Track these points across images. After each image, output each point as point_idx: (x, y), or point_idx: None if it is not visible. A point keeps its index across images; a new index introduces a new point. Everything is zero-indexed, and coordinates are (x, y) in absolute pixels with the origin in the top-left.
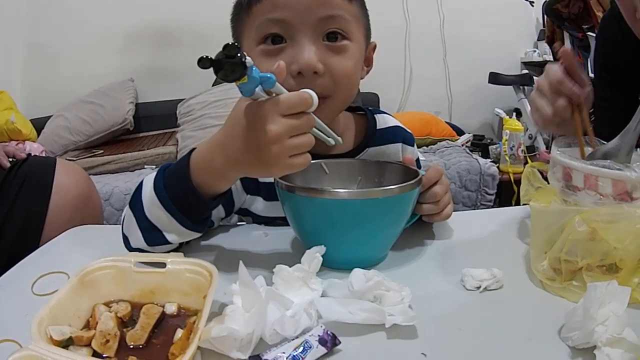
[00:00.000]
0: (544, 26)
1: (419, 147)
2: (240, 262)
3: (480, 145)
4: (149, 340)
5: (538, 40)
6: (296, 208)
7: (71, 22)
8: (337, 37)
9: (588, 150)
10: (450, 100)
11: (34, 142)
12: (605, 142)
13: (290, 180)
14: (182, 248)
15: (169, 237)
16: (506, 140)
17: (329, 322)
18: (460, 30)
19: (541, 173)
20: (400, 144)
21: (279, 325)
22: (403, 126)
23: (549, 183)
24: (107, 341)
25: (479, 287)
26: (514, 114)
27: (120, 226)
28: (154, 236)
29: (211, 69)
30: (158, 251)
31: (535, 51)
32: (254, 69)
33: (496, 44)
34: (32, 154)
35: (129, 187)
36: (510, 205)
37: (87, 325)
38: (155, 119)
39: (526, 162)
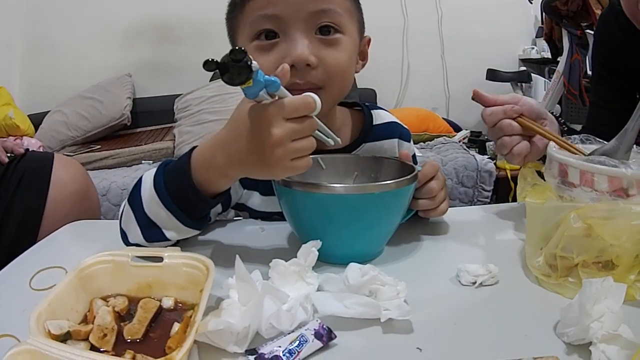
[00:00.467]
0: (542, 23)
1: (415, 143)
2: (237, 256)
3: (477, 142)
4: (146, 334)
5: (536, 37)
6: (293, 203)
7: (70, 18)
8: (329, 31)
9: (587, 148)
10: (448, 96)
11: (32, 137)
12: (598, 140)
13: None
14: (179, 243)
15: (168, 234)
16: None
17: (325, 317)
18: (458, 27)
19: (538, 172)
20: (396, 140)
21: (275, 319)
22: (399, 122)
23: (545, 180)
24: (105, 335)
25: (474, 283)
26: None
27: (118, 221)
28: (152, 232)
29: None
30: (156, 247)
31: (533, 48)
32: (259, 72)
33: (494, 40)
34: (30, 150)
35: (126, 183)
36: (507, 201)
37: (85, 320)
38: (152, 114)
39: None
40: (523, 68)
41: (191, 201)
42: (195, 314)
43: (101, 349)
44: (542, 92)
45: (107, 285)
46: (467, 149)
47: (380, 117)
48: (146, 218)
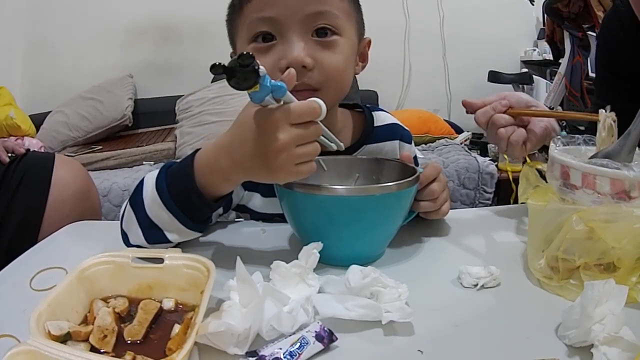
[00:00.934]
0: (544, 25)
1: (417, 145)
2: (238, 257)
3: (479, 144)
4: (146, 335)
5: (538, 39)
6: (294, 204)
7: (71, 18)
8: (326, 33)
9: (589, 149)
10: (450, 98)
11: (33, 137)
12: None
13: None
14: (180, 244)
15: (170, 236)
16: None
17: (326, 319)
18: (460, 29)
19: (540, 172)
20: (397, 142)
21: (276, 321)
22: (400, 123)
23: (547, 182)
24: (105, 336)
25: (476, 285)
26: None
27: (119, 222)
28: (154, 234)
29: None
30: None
31: (535, 50)
32: (266, 77)
33: (496, 42)
34: (31, 150)
35: (127, 183)
36: (509, 203)
37: (85, 321)
38: (153, 115)
39: (525, 161)
40: (525, 70)
41: (194, 204)
42: (196, 315)
43: (101, 350)
44: (544, 94)
45: (107, 286)
46: (469, 151)
47: (381, 118)
48: (148, 220)
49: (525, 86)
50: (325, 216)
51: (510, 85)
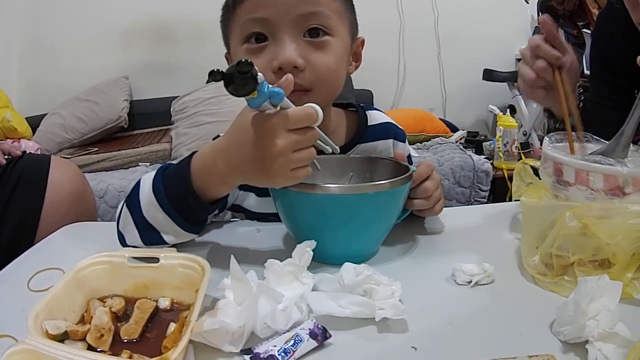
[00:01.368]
0: (538, 23)
1: (412, 143)
2: (232, 256)
3: (474, 142)
4: (142, 334)
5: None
6: (288, 203)
7: (67, 20)
8: (318, 33)
9: (583, 146)
10: (445, 97)
11: (30, 140)
12: (595, 137)
13: None
14: (176, 244)
15: (166, 237)
16: (500, 136)
17: (320, 316)
18: (454, 27)
19: (535, 170)
20: (391, 140)
21: (270, 319)
22: (394, 122)
23: (540, 179)
24: (102, 335)
25: (469, 282)
26: (508, 110)
27: (115, 223)
28: (150, 236)
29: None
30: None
31: None
32: (264, 84)
33: (491, 40)
34: (28, 152)
35: (123, 185)
36: (505, 201)
37: (82, 320)
38: (149, 116)
39: (520, 159)
40: (519, 74)
41: (190, 206)
42: (191, 313)
43: (98, 349)
44: None
45: (104, 286)
46: (464, 149)
47: (375, 117)
48: (144, 221)
49: None
50: (319, 215)
51: (505, 84)
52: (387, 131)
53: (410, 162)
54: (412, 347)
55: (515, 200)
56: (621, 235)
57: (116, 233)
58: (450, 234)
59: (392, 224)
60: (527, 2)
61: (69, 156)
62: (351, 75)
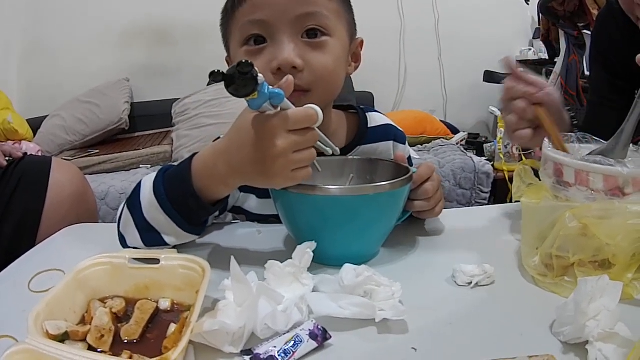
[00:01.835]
0: (539, 24)
1: (413, 145)
2: (232, 257)
3: (475, 144)
4: (143, 335)
5: (533, 38)
6: (288, 205)
7: (68, 21)
8: (316, 34)
9: (583, 146)
10: (445, 98)
11: (31, 142)
12: (595, 138)
13: None
14: (177, 245)
15: (167, 239)
16: (501, 138)
17: (320, 317)
18: (455, 29)
19: (535, 171)
20: (391, 142)
21: (271, 320)
22: (394, 124)
23: (541, 180)
24: (102, 336)
25: (470, 283)
26: None
27: (116, 224)
28: (151, 237)
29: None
30: None
31: (530, 49)
32: (264, 85)
33: (491, 42)
34: (28, 154)
35: (124, 187)
36: (506, 203)
37: (83, 321)
38: (150, 118)
39: (521, 160)
40: (520, 69)
41: (191, 208)
42: (191, 314)
43: (99, 350)
44: None
45: (104, 286)
46: (465, 151)
47: (375, 119)
48: (145, 223)
49: None
50: (319, 216)
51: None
52: (388, 133)
53: (411, 164)
54: (412, 348)
55: (516, 202)
56: (621, 236)
57: (117, 234)
58: (451, 235)
59: (393, 226)
60: (528, 4)
61: (69, 158)
62: (352, 76)
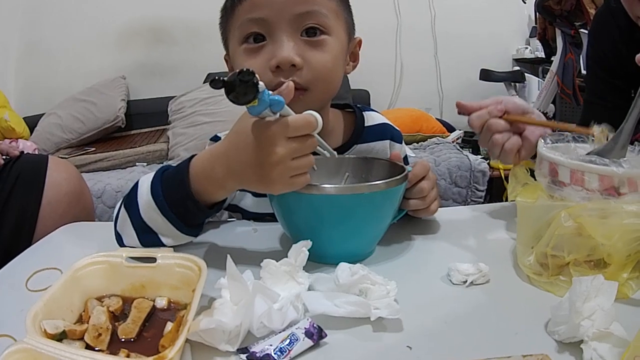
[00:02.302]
0: (536, 23)
1: (409, 143)
2: (228, 256)
3: (470, 142)
4: (140, 333)
5: (530, 37)
6: (284, 203)
7: (65, 20)
8: (315, 32)
9: (579, 146)
10: (441, 96)
11: (27, 140)
12: (591, 137)
13: None
14: None
15: (164, 240)
16: None
17: (316, 315)
18: (451, 27)
19: (531, 170)
20: (388, 141)
21: (267, 318)
22: (391, 123)
23: (536, 179)
24: (100, 335)
25: (465, 282)
26: None
27: (113, 223)
28: (149, 238)
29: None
30: None
31: (527, 48)
32: (265, 92)
33: (488, 40)
34: (25, 152)
35: (120, 185)
36: (501, 201)
37: (80, 319)
38: (146, 116)
39: None
40: (517, 68)
41: (189, 210)
42: (188, 313)
43: (96, 348)
44: (536, 91)
45: (101, 285)
46: (461, 149)
47: (372, 118)
48: (142, 223)
49: (517, 84)
50: (315, 215)
51: (502, 84)
52: (384, 132)
53: (407, 163)
54: (407, 346)
55: (511, 201)
56: (617, 236)
57: (113, 233)
58: (446, 234)
59: (388, 224)
60: (525, 2)
61: (66, 156)
62: (348, 75)
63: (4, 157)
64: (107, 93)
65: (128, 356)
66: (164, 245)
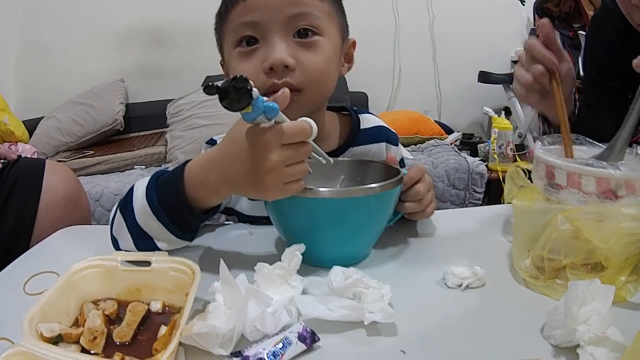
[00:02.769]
0: (534, 25)
1: (407, 146)
2: (221, 260)
3: (469, 144)
4: (134, 337)
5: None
6: (279, 207)
7: (64, 23)
8: (307, 34)
9: (576, 149)
10: (440, 99)
11: (26, 143)
12: (588, 140)
13: None
14: None
15: (160, 244)
16: (495, 138)
17: (309, 319)
18: (450, 29)
19: (527, 172)
20: (384, 144)
21: (260, 322)
22: (387, 126)
23: (533, 182)
24: (95, 338)
25: (460, 285)
26: (503, 112)
27: (109, 227)
28: (144, 242)
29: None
30: None
31: None
32: (259, 99)
33: (486, 43)
34: (24, 155)
35: (119, 188)
36: (500, 203)
37: (76, 323)
38: (145, 119)
39: (515, 161)
40: (515, 77)
41: (184, 216)
42: (181, 316)
43: (91, 352)
44: None
45: (97, 289)
46: (459, 151)
47: (368, 121)
48: (138, 228)
49: None
50: (310, 218)
51: (501, 86)
52: (380, 135)
53: (403, 165)
54: (401, 350)
55: (508, 203)
56: (614, 239)
57: (110, 237)
58: (442, 237)
59: (383, 227)
60: (523, 4)
61: (65, 159)
62: (346, 77)
63: (2, 160)
64: (105, 96)
65: (123, 359)
66: (159, 250)
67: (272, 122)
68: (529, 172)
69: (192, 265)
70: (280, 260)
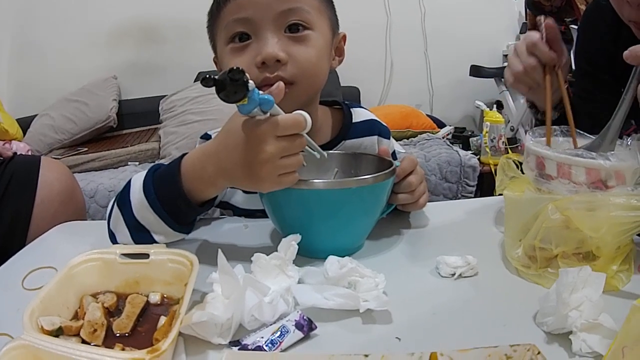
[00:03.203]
0: (526, 19)
1: (399, 140)
2: (219, 250)
3: (461, 138)
4: (134, 328)
5: (520, 33)
6: (274, 199)
7: (56, 21)
8: (298, 28)
9: (566, 140)
10: (432, 93)
11: (20, 141)
12: (579, 131)
13: None
14: None
15: (157, 237)
16: (487, 132)
17: (306, 308)
18: (441, 24)
19: (520, 164)
20: (376, 137)
21: (257, 311)
22: (378, 119)
23: (523, 174)
24: (95, 330)
25: (453, 274)
26: (495, 106)
27: (106, 221)
28: (141, 236)
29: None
30: None
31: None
32: (255, 91)
33: (478, 37)
34: (18, 153)
35: (113, 184)
36: (492, 196)
37: (76, 316)
38: (138, 115)
39: (507, 152)
40: (506, 64)
41: (180, 209)
42: (180, 306)
43: (92, 344)
44: None
45: (96, 282)
46: (451, 145)
47: (360, 115)
48: (135, 221)
49: None
50: (304, 210)
51: (493, 80)
52: (372, 128)
53: (395, 158)
54: (396, 337)
55: (499, 195)
56: (605, 228)
57: (107, 231)
58: (435, 228)
59: (377, 219)
60: None
61: (59, 157)
62: (338, 72)
63: None
64: (98, 93)
65: (123, 349)
66: (156, 243)
67: (268, 114)
68: (520, 163)
69: (190, 256)
70: (275, 251)
